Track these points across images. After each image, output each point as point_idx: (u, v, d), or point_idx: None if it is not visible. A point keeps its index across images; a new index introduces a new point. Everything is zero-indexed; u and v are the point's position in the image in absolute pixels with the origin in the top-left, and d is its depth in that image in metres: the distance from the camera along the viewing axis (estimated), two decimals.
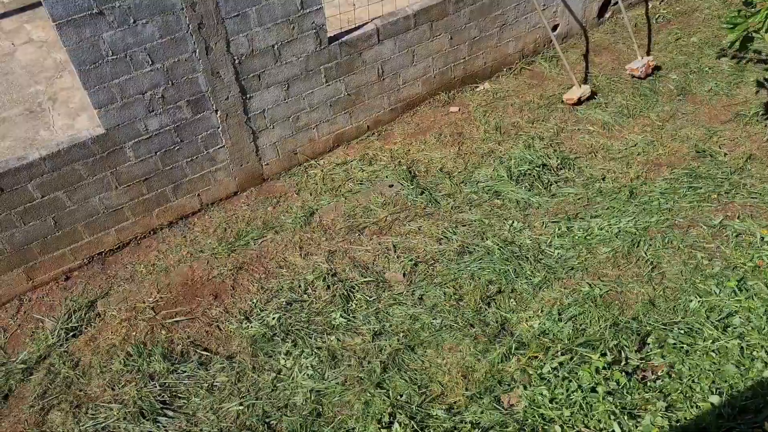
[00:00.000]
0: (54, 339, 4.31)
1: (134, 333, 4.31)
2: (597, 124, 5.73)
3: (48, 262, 4.66)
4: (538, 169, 5.25)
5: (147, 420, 3.74)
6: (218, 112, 4.82)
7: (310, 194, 5.33)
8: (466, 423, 3.43)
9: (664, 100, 5.93)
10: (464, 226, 4.85)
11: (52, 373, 4.12)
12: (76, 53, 3.96)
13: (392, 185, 5.30)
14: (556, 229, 4.69)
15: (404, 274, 4.51)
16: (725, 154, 5.21)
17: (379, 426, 3.50)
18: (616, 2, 6.79)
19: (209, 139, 4.92)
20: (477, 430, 3.36)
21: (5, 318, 4.54)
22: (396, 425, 3.46)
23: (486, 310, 4.15)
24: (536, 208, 4.95)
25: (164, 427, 3.71)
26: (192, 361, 4.06)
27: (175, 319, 4.37)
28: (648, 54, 6.49)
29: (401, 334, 4.07)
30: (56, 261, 4.70)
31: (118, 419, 3.78)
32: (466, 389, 3.66)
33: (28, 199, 4.32)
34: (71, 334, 4.36)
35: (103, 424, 3.77)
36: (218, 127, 4.91)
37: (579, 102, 5.92)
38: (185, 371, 4.01)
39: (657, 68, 6.30)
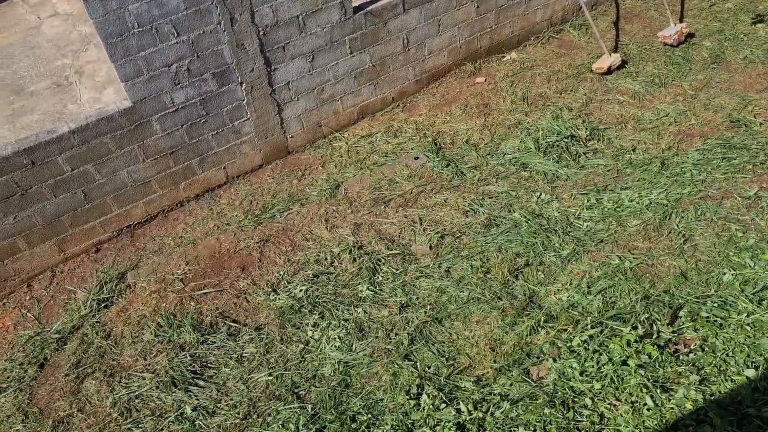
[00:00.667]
0: (86, 310, 4.38)
1: (164, 304, 4.36)
2: (627, 94, 5.61)
3: (79, 234, 4.72)
4: (566, 140, 5.16)
5: (179, 389, 3.80)
6: (243, 85, 4.80)
7: (335, 167, 5.31)
8: (494, 395, 3.43)
9: (697, 68, 5.77)
10: (491, 198, 4.80)
11: (86, 343, 4.19)
12: (102, 26, 3.95)
13: (418, 157, 5.25)
14: (585, 201, 4.62)
15: (430, 247, 4.49)
16: (761, 124, 5.07)
17: (408, 397, 3.51)
18: None
19: (234, 111, 4.91)
20: (506, 401, 3.36)
21: (39, 289, 4.62)
22: (424, 396, 3.47)
23: (513, 282, 4.12)
24: (564, 180, 4.87)
25: (195, 396, 3.77)
26: (221, 332, 4.11)
27: (203, 291, 4.41)
28: (681, 21, 6.30)
29: (428, 307, 4.06)
30: (86, 233, 4.76)
31: (151, 388, 3.84)
32: (494, 361, 3.65)
33: (59, 173, 4.36)
34: (103, 305, 4.42)
35: (137, 393, 3.84)
36: (243, 100, 4.89)
37: (609, 71, 5.79)
38: (215, 342, 4.05)
39: (690, 35, 6.12)
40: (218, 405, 3.72)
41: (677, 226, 4.28)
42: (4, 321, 4.51)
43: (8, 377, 4.10)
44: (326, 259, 4.49)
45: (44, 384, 4.04)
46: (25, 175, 4.24)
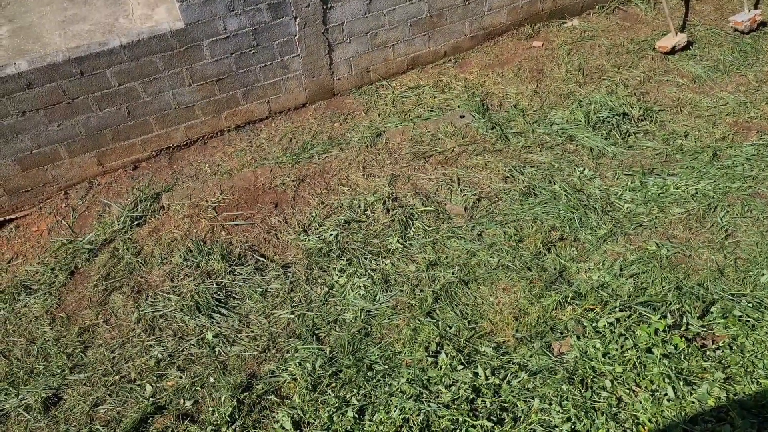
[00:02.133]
0: (119, 225, 4.44)
1: (195, 230, 4.40)
2: (688, 77, 5.41)
3: (119, 149, 4.75)
4: (617, 117, 5.02)
5: (202, 315, 3.87)
6: (297, 20, 4.71)
7: (379, 115, 5.24)
8: (513, 363, 3.43)
9: (766, 59, 5.53)
10: (533, 167, 4.71)
11: (116, 258, 4.26)
12: None
13: (463, 116, 5.15)
14: (629, 183, 4.52)
15: (465, 208, 4.44)
16: None
17: (426, 354, 3.53)
18: None
19: (285, 46, 4.83)
20: (524, 372, 3.36)
21: (75, 198, 4.69)
22: (442, 355, 3.49)
23: (545, 255, 4.08)
24: (610, 158, 4.76)
25: (217, 323, 3.84)
26: (249, 265, 4.14)
27: (235, 222, 4.44)
28: (756, 7, 6.01)
29: (456, 268, 4.04)
30: (126, 150, 4.78)
31: (175, 310, 3.91)
32: (517, 330, 3.64)
33: (106, 86, 4.36)
34: (136, 222, 4.48)
35: (161, 312, 3.91)
36: (295, 35, 4.80)
37: (672, 51, 5.58)
38: (241, 274, 4.09)
39: (763, 24, 5.85)
40: (239, 335, 3.78)
41: (721, 220, 4.17)
42: (39, 225, 4.60)
43: (39, 280, 4.20)
44: (360, 206, 4.47)
45: (73, 291, 4.13)
46: (73, 84, 4.25)
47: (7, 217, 4.65)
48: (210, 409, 3.43)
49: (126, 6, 4.99)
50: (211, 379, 3.57)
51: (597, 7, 6.10)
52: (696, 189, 4.39)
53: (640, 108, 5.10)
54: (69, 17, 4.90)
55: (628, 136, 4.93)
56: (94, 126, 4.52)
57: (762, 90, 5.24)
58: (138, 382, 3.60)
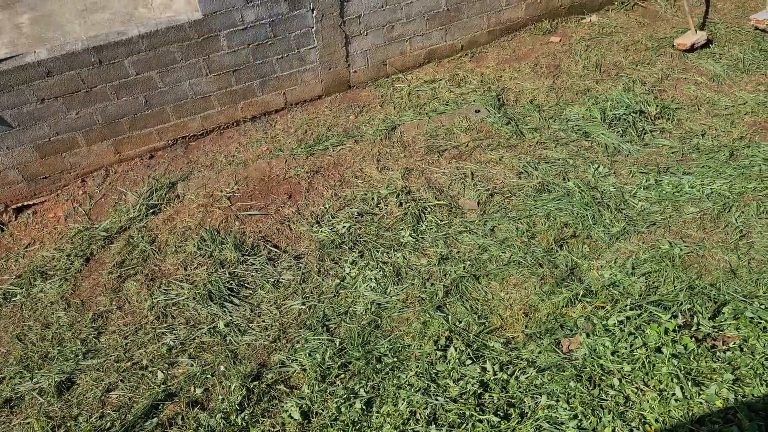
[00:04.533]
0: (135, 213, 4.49)
1: (209, 219, 4.44)
2: (706, 76, 5.35)
3: (135, 138, 4.80)
4: (634, 115, 4.99)
5: (214, 303, 3.91)
6: (314, 12, 4.72)
7: (394, 108, 5.24)
8: (522, 359, 3.44)
9: None
10: (547, 163, 4.70)
11: (131, 245, 4.32)
12: None
13: (479, 110, 5.14)
14: (644, 181, 4.49)
15: (479, 203, 4.44)
16: None
17: (435, 347, 3.55)
18: None
19: (302, 38, 4.85)
20: (532, 368, 3.36)
21: (92, 186, 4.75)
22: (451, 349, 3.50)
23: (557, 252, 4.07)
24: (625, 156, 4.73)
25: (229, 312, 3.88)
26: (261, 255, 4.18)
27: (249, 212, 4.47)
28: None
29: (468, 263, 4.05)
30: (143, 139, 4.83)
31: (188, 298, 3.96)
32: (526, 326, 3.64)
33: (124, 75, 4.40)
34: (151, 211, 4.53)
35: (174, 300, 3.96)
36: (312, 27, 4.82)
37: (691, 49, 5.52)
38: (254, 264, 4.13)
39: None
40: (250, 325, 3.82)
41: (736, 220, 4.14)
42: (56, 212, 4.66)
43: (55, 266, 4.26)
44: (373, 199, 4.49)
45: (88, 278, 4.19)
46: (91, 72, 4.29)
47: (25, 203, 4.72)
48: (220, 397, 3.47)
49: None
50: (222, 368, 3.61)
51: (616, 3, 6.05)
52: (711, 188, 4.35)
53: (657, 106, 5.06)
54: (89, 6, 4.95)
55: (644, 133, 4.90)
56: (111, 114, 4.57)
57: None
58: (150, 369, 3.65)
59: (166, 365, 3.65)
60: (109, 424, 3.41)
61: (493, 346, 3.53)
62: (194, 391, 3.52)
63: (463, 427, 3.14)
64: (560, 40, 5.76)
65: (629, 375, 3.22)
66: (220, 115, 5.00)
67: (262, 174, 4.75)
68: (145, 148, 4.90)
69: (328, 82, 5.25)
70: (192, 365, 3.64)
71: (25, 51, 4.19)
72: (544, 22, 5.82)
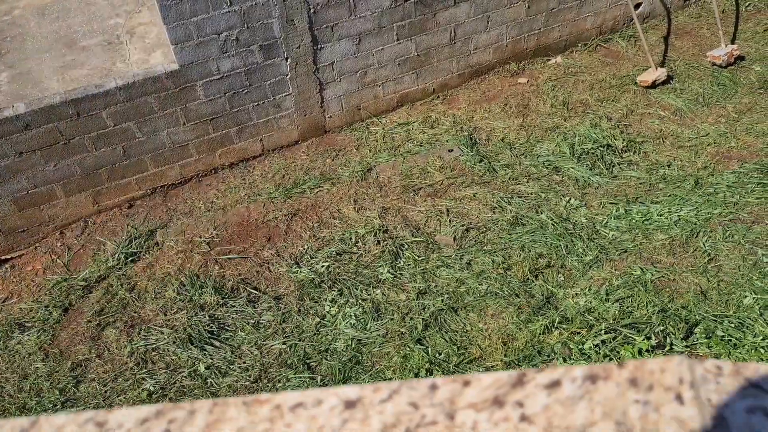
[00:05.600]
0: (114, 262, 4.51)
1: (189, 265, 4.47)
2: (669, 110, 5.57)
3: (114, 188, 4.85)
4: (602, 149, 5.15)
5: (195, 347, 3.91)
6: (288, 60, 4.88)
7: (369, 150, 5.37)
8: None
9: (744, 91, 5.70)
10: (520, 197, 4.82)
11: (110, 293, 4.32)
12: None
13: (452, 150, 5.29)
14: (614, 211, 4.62)
15: (455, 238, 4.52)
16: None
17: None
18: None
19: (277, 85, 4.99)
20: None
21: (71, 237, 4.77)
22: None
23: (533, 282, 4.14)
24: (595, 188, 4.87)
25: (210, 355, 3.87)
26: (241, 298, 4.20)
27: (228, 256, 4.51)
28: (732, 42, 6.22)
29: (446, 296, 4.10)
30: (122, 189, 4.89)
31: (168, 343, 3.95)
32: (505, 355, 3.68)
33: (101, 126, 4.49)
34: (130, 259, 4.55)
35: (154, 345, 3.95)
36: (287, 75, 4.97)
37: (653, 85, 5.75)
38: (234, 306, 4.15)
39: (740, 58, 6.04)
40: (231, 366, 3.82)
41: (703, 244, 4.26)
42: (35, 264, 4.67)
43: (33, 317, 4.25)
44: (351, 238, 4.55)
45: (66, 327, 4.18)
46: (69, 125, 4.38)
47: (3, 257, 4.73)
48: None
49: (123, 52, 5.17)
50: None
51: (579, 44, 6.31)
52: (679, 216, 4.48)
53: (624, 139, 5.24)
54: (67, 63, 5.08)
55: (613, 166, 5.05)
56: (90, 165, 4.64)
57: (741, 121, 5.39)
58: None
59: None
60: None
61: None
62: None
63: None
64: (528, 81, 5.97)
65: None
66: (198, 162, 5.09)
67: (240, 219, 4.81)
68: (123, 197, 4.95)
69: (304, 127, 5.38)
70: None
71: (3, 106, 4.27)
72: (511, 64, 6.05)
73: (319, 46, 4.94)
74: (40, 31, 5.31)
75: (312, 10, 4.68)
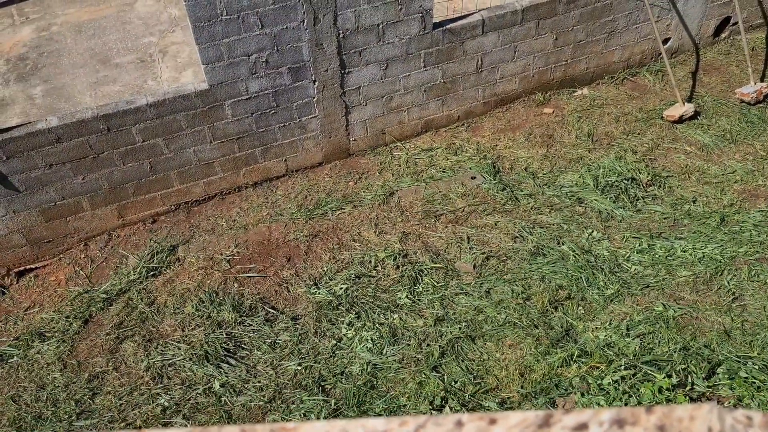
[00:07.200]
0: (135, 275, 4.56)
1: (209, 281, 4.50)
2: (695, 145, 5.52)
3: (139, 203, 4.92)
4: (626, 182, 5.12)
5: (210, 364, 3.92)
6: (316, 83, 4.94)
7: (392, 175, 5.39)
8: None
9: None
10: (542, 227, 4.79)
11: (130, 307, 4.36)
12: (193, 9, 4.14)
13: (474, 177, 5.29)
14: (637, 245, 4.57)
15: (474, 266, 4.51)
16: None
17: (430, 407, 3.53)
18: (736, 22, 6.49)
19: (303, 107, 5.05)
20: None
21: (94, 249, 4.84)
22: (446, 409, 3.49)
23: (552, 313, 4.10)
24: (619, 221, 4.83)
25: (225, 373, 3.88)
26: (259, 316, 4.21)
27: (248, 275, 4.54)
28: (762, 80, 6.18)
29: (463, 324, 4.08)
30: (147, 203, 4.95)
31: (185, 359, 3.97)
32: (522, 387, 3.64)
33: (131, 142, 4.57)
34: (151, 273, 4.59)
35: (171, 361, 3.97)
36: (314, 98, 5.03)
37: (680, 120, 5.72)
38: (251, 325, 4.16)
39: None
40: (246, 385, 3.81)
41: (728, 283, 4.19)
42: (58, 275, 4.73)
43: (53, 327, 4.30)
44: (370, 261, 4.56)
45: (86, 339, 4.22)
46: (99, 139, 4.46)
47: (28, 267, 4.80)
48: None
49: (155, 69, 5.28)
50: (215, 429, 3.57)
51: (606, 77, 6.31)
52: (703, 253, 4.42)
53: (649, 173, 5.20)
54: (100, 79, 5.20)
55: (637, 200, 5.01)
56: (117, 180, 4.71)
57: None
58: (143, 430, 3.62)
59: (160, 426, 3.63)
60: None
61: (488, 406, 3.51)
62: None
63: None
64: (553, 112, 5.98)
65: None
66: (223, 180, 5.15)
67: (262, 238, 4.85)
68: (148, 212, 5.02)
69: (329, 149, 5.43)
70: (186, 426, 3.61)
71: (36, 119, 4.37)
72: (537, 94, 6.06)
73: (346, 71, 4.99)
74: (76, 47, 5.45)
75: (341, 35, 4.75)
